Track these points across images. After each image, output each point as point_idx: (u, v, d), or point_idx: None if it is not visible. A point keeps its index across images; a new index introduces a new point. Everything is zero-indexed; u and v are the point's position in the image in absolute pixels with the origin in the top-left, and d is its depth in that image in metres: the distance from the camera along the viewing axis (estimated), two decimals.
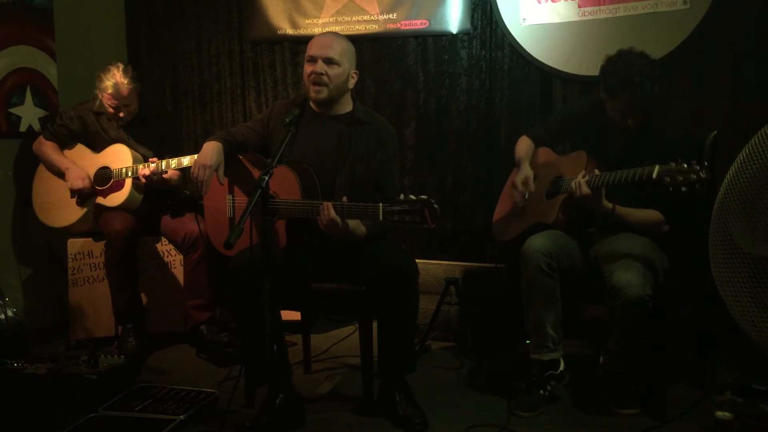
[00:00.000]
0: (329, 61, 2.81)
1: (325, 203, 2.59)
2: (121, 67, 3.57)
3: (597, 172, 2.76)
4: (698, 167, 2.45)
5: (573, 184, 2.76)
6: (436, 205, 2.40)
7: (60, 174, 3.69)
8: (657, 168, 2.53)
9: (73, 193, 3.65)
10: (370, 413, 2.81)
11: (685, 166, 2.47)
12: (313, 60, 2.83)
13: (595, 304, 2.81)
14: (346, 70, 2.86)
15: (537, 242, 2.81)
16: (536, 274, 2.77)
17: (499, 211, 3.33)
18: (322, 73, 2.80)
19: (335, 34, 2.96)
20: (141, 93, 3.73)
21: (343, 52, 2.84)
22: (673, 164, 2.50)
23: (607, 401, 2.81)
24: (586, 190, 2.72)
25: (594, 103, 3.07)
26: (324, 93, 2.84)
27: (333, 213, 2.57)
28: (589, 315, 3.19)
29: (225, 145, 2.95)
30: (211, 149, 2.91)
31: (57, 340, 3.71)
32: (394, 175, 2.94)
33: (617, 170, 2.69)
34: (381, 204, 2.45)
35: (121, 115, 3.62)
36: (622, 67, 2.77)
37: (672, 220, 2.84)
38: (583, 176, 2.75)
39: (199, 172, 2.87)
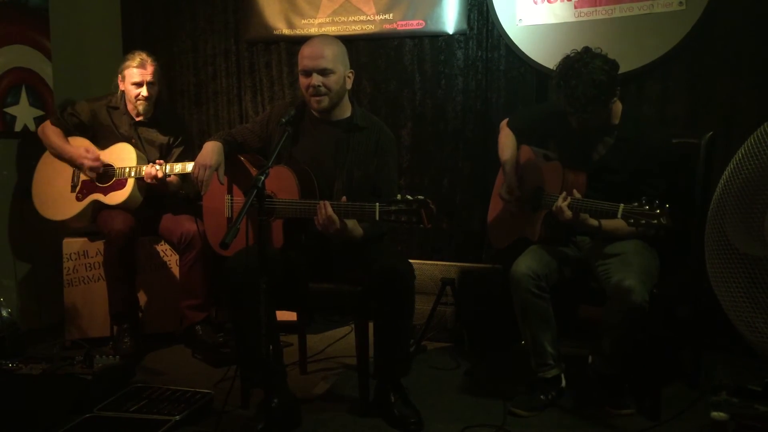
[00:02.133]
0: (324, 72, 2.80)
1: (322, 202, 2.59)
2: (140, 51, 3.69)
3: (576, 193, 2.72)
4: (659, 211, 2.44)
5: (554, 208, 2.74)
6: (432, 205, 2.40)
7: (63, 160, 3.69)
8: (621, 207, 2.53)
9: (93, 170, 3.63)
10: (366, 414, 2.81)
11: (647, 208, 2.46)
12: (307, 73, 2.82)
13: (590, 304, 2.81)
14: (341, 74, 2.85)
15: (524, 266, 2.80)
16: (528, 297, 2.78)
17: (491, 215, 3.32)
18: (319, 86, 2.80)
19: (323, 38, 2.90)
20: (159, 96, 3.81)
21: (335, 58, 2.82)
22: (636, 204, 2.49)
23: (600, 402, 2.82)
24: (568, 214, 2.70)
25: None
26: (325, 102, 2.83)
27: (330, 211, 2.57)
28: (584, 315, 3.18)
29: (225, 145, 2.95)
30: (211, 149, 2.90)
31: (52, 341, 3.70)
32: (392, 179, 2.93)
33: (594, 194, 2.70)
34: (377, 204, 2.45)
35: (144, 94, 3.63)
36: (563, 67, 2.76)
37: None
38: (565, 199, 2.72)
39: (200, 172, 2.87)
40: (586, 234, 2.92)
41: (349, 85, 2.90)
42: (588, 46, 2.80)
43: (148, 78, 3.62)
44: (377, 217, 2.46)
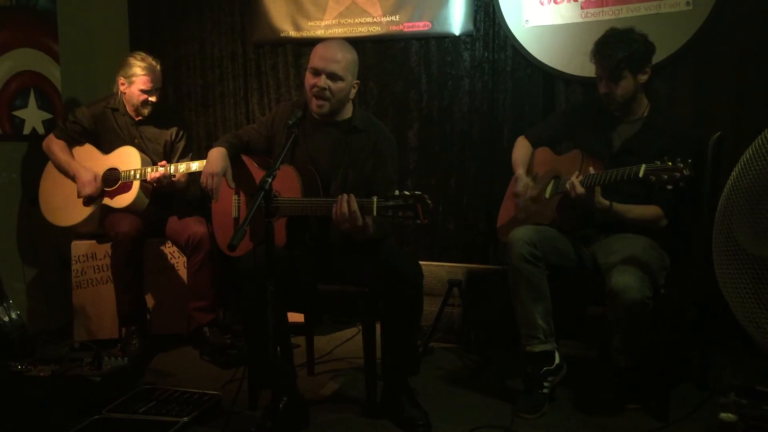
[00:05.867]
0: (333, 76, 2.79)
1: (346, 195, 2.56)
2: (145, 53, 3.71)
3: (591, 170, 2.77)
4: (682, 165, 2.48)
5: (567, 184, 2.78)
6: (429, 201, 2.42)
7: (68, 176, 3.71)
8: (643, 167, 2.57)
9: (86, 198, 3.66)
10: (374, 415, 2.81)
11: (670, 164, 2.50)
12: (316, 73, 2.81)
13: (596, 305, 2.81)
14: (349, 83, 2.84)
15: (520, 232, 2.84)
16: (519, 263, 2.79)
17: (503, 213, 3.33)
18: (325, 88, 2.79)
19: (340, 44, 2.88)
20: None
21: (347, 66, 2.82)
22: (659, 162, 2.53)
23: (616, 398, 2.83)
24: (580, 189, 2.74)
25: (591, 99, 3.08)
26: (326, 108, 2.83)
27: (355, 206, 2.53)
28: (590, 316, 3.18)
29: (230, 148, 2.96)
30: (216, 156, 2.92)
31: (61, 343, 3.72)
32: (388, 180, 2.88)
33: (612, 168, 2.72)
34: (375, 198, 2.48)
35: (153, 99, 3.67)
36: (605, 34, 2.89)
37: (670, 215, 2.84)
38: (577, 176, 2.77)
39: (208, 180, 2.88)
40: (598, 220, 2.92)
41: (352, 95, 2.90)
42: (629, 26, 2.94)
43: (159, 84, 3.65)
44: (374, 213, 2.48)
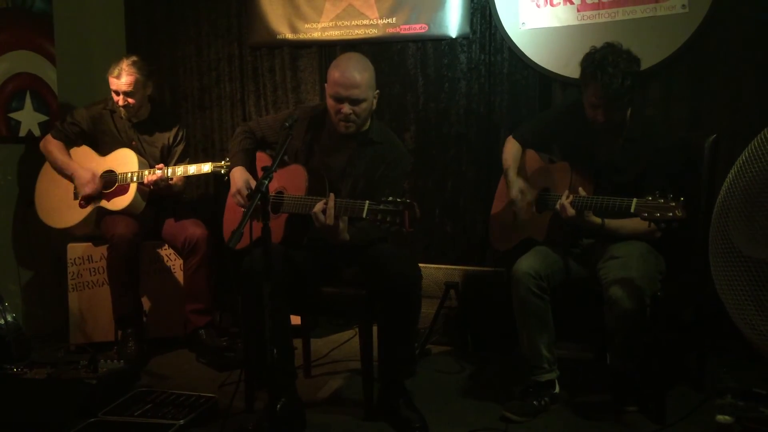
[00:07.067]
0: (356, 102, 2.79)
1: (331, 194, 2.63)
2: (133, 59, 3.68)
3: (581, 191, 2.75)
4: (674, 204, 2.44)
5: (557, 205, 2.76)
6: (417, 209, 2.43)
7: (65, 176, 3.71)
8: (634, 202, 2.54)
9: (84, 198, 3.65)
10: (371, 417, 2.81)
11: (661, 201, 2.46)
12: (339, 100, 2.80)
13: (596, 307, 2.81)
14: (371, 99, 2.85)
15: (526, 264, 2.81)
16: (527, 297, 2.78)
17: (494, 219, 3.32)
18: (350, 113, 2.80)
19: (356, 63, 2.85)
20: (153, 96, 3.86)
21: (368, 86, 2.82)
22: (650, 198, 2.49)
23: (613, 401, 2.83)
24: (571, 212, 2.73)
25: (575, 105, 3.00)
26: (352, 129, 2.85)
27: (331, 204, 2.60)
28: (588, 318, 3.18)
29: (248, 161, 2.99)
30: (238, 177, 2.93)
31: (57, 345, 3.72)
32: (389, 190, 2.85)
33: (601, 193, 2.71)
34: (367, 201, 2.50)
35: (121, 103, 3.64)
36: (599, 56, 2.75)
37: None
38: (567, 197, 2.75)
39: (237, 199, 2.91)
40: (591, 235, 2.92)
41: (374, 106, 2.91)
42: (609, 42, 2.81)
43: (123, 88, 3.62)
44: (365, 215, 2.50)
